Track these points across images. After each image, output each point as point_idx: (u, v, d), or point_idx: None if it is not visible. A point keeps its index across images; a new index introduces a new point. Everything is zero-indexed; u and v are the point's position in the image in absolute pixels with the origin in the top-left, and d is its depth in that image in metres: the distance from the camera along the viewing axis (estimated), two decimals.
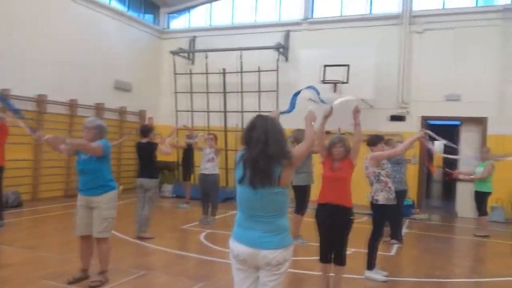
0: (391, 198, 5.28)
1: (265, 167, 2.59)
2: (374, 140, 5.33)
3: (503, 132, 10.68)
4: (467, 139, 11.25)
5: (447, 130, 12.46)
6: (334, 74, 10.57)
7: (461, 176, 9.30)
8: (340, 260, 4.57)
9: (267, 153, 2.60)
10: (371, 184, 5.35)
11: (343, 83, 10.58)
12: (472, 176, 8.60)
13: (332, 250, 4.57)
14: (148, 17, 14.43)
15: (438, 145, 7.28)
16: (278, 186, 2.62)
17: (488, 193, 8.49)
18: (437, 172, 10.82)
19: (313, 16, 12.85)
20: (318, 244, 4.61)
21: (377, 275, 5.35)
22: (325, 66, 10.67)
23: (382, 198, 5.24)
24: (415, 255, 6.79)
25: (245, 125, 2.86)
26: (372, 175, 5.32)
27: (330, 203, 4.52)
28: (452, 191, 11.74)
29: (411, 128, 11.45)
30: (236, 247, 2.73)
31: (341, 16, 12.62)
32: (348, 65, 10.54)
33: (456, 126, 11.73)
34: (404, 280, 5.41)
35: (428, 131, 5.80)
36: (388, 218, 5.64)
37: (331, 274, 4.64)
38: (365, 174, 5.41)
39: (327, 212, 4.53)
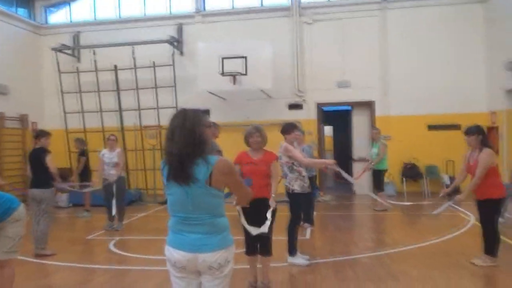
0: (305, 186, 5.39)
1: (182, 165, 2.42)
2: (287, 128, 5.36)
3: (387, 113, 11.66)
4: (358, 122, 12.09)
5: (340, 114, 13.30)
6: (232, 66, 10.54)
7: (367, 171, 9.67)
8: (267, 250, 4.54)
9: (182, 150, 2.42)
10: (285, 173, 5.39)
11: (241, 74, 10.61)
12: (372, 163, 9.15)
13: (258, 242, 4.51)
14: (22, 11, 12.96)
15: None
16: (209, 186, 2.43)
17: (385, 170, 9.20)
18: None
19: (205, 9, 12.67)
20: (242, 237, 4.51)
21: (299, 259, 5.44)
22: (223, 58, 10.59)
23: (298, 187, 5.31)
24: (328, 235, 7.07)
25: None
26: (286, 165, 5.36)
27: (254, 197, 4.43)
28: (349, 171, 12.51)
29: (309, 115, 11.98)
30: (172, 254, 2.51)
31: (232, 8, 12.63)
32: (245, 57, 10.59)
33: (347, 110, 12.50)
34: (325, 261, 5.57)
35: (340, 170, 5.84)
36: (303, 204, 5.76)
37: (258, 265, 4.58)
38: (279, 164, 5.43)
39: (251, 205, 4.43)
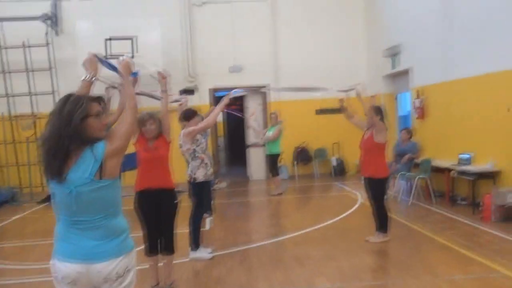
0: (209, 174, 5.15)
1: (56, 158, 2.02)
2: (188, 115, 5.04)
3: (280, 98, 11.86)
4: (252, 107, 12.09)
5: (234, 99, 13.18)
6: (119, 48, 9.74)
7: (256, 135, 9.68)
8: (170, 248, 4.20)
9: (56, 140, 2.03)
10: (188, 162, 5.08)
11: (129, 57, 9.86)
12: (265, 139, 9.19)
13: (160, 239, 4.15)
14: None
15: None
16: (100, 179, 2.05)
17: (278, 155, 9.33)
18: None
19: None
20: (140, 235, 4.11)
21: (202, 253, 5.19)
22: (107, 39, 9.74)
23: (201, 175, 5.05)
24: (229, 224, 6.92)
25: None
26: (187, 153, 5.05)
27: (152, 187, 4.06)
28: (242, 157, 12.56)
29: (202, 101, 11.65)
30: (61, 267, 2.09)
31: None
32: (132, 38, 9.88)
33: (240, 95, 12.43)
34: (229, 252, 5.41)
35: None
36: (206, 194, 5.51)
37: (160, 264, 4.24)
38: (180, 152, 5.10)
39: (151, 199, 4.06)
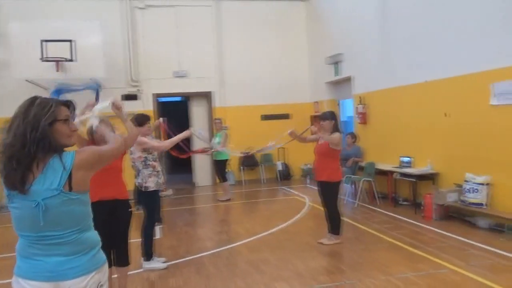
0: (160, 183, 5.01)
1: (19, 168, 1.84)
2: (141, 120, 4.86)
3: (225, 104, 11.84)
4: (197, 113, 11.98)
5: (178, 105, 13.01)
6: (56, 51, 9.24)
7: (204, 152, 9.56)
8: (125, 260, 4.03)
9: (19, 148, 1.85)
10: (137, 170, 4.90)
11: (67, 61, 9.40)
12: (212, 150, 9.09)
13: (113, 251, 3.96)
14: None
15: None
16: (69, 191, 1.89)
17: (226, 160, 9.28)
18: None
19: None
20: None
21: (156, 264, 5.02)
22: (43, 41, 9.20)
23: (152, 183, 4.89)
24: (180, 232, 6.75)
25: None
26: (138, 160, 4.87)
27: (105, 199, 3.85)
28: (189, 163, 12.36)
29: (145, 106, 11.33)
30: (25, 287, 1.91)
31: None
32: (71, 41, 9.40)
33: (185, 101, 12.26)
34: (183, 260, 5.28)
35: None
36: (157, 202, 5.33)
37: (114, 276, 4.04)
38: (130, 159, 4.90)
39: (104, 210, 3.85)
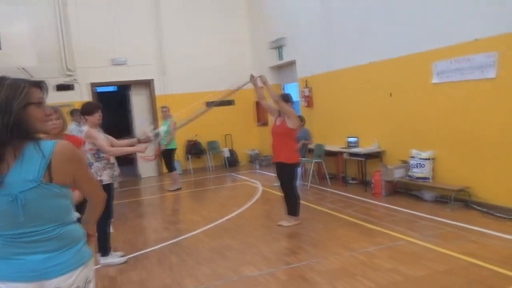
0: (116, 175, 4.76)
1: None
2: (89, 109, 4.56)
3: (166, 92, 11.50)
4: (138, 102, 11.54)
5: (117, 95, 12.45)
6: None
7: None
8: None
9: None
10: (90, 163, 4.61)
11: None
12: (165, 143, 8.78)
13: None
14: None
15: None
16: (48, 182, 1.70)
17: (174, 150, 9.04)
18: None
19: None
20: None
21: (114, 258, 4.79)
22: None
23: (107, 176, 4.63)
24: (134, 224, 6.50)
25: None
26: (90, 152, 4.58)
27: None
28: (131, 155, 11.91)
29: (81, 97, 10.73)
30: None
31: None
32: None
33: (125, 90, 11.75)
34: (143, 253, 5.08)
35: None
36: (111, 196, 5.05)
37: None
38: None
39: None
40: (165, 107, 9.34)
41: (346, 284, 3.72)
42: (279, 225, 5.68)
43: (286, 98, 5.61)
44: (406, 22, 6.67)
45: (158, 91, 11.48)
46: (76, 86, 10.71)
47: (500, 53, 5.34)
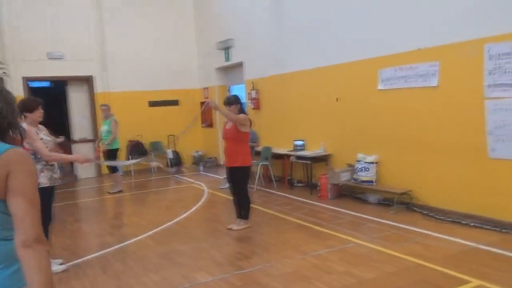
0: (56, 178, 4.43)
1: None
2: (30, 105, 4.21)
3: (108, 89, 11.01)
4: (77, 99, 10.95)
5: (54, 91, 11.72)
6: None
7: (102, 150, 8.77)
8: None
9: None
10: None
11: None
12: (107, 143, 8.38)
13: None
14: None
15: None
16: None
17: (117, 150, 8.64)
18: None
19: None
20: None
21: (53, 266, 4.45)
22: None
23: (45, 179, 4.29)
24: (72, 229, 6.11)
25: None
26: (28, 153, 4.21)
27: None
28: (69, 153, 11.26)
29: (14, 92, 9.91)
30: None
31: None
32: None
33: (62, 86, 11.08)
34: (85, 260, 4.76)
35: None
36: (51, 200, 4.69)
37: None
38: None
39: None
40: (105, 105, 8.87)
41: None
42: (229, 229, 5.58)
43: (235, 100, 5.52)
44: (354, 30, 6.85)
45: (98, 88, 10.96)
46: (7, 80, 9.95)
47: (441, 63, 5.63)
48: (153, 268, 4.38)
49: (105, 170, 10.55)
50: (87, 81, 10.87)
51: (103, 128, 8.64)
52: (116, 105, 10.62)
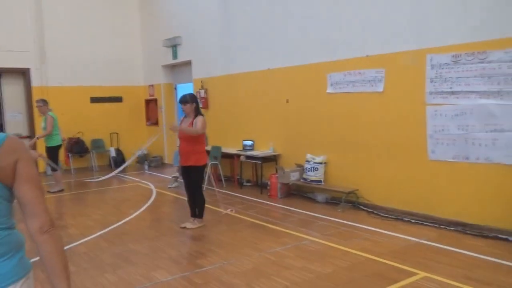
0: None
1: None
2: None
3: (46, 83, 10.46)
4: (11, 93, 10.29)
5: None
6: None
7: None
8: None
9: None
10: None
11: None
12: (36, 137, 8.00)
13: None
14: None
15: None
16: None
17: (58, 146, 8.24)
18: None
19: None
20: None
21: None
22: None
23: None
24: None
25: None
26: None
27: None
28: None
29: None
30: None
31: None
32: None
33: None
34: (33, 261, 4.51)
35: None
36: None
37: None
38: None
39: None
40: (40, 100, 8.23)
41: (263, 284, 3.80)
42: (182, 228, 5.55)
43: (191, 99, 5.49)
44: (304, 34, 7.07)
45: (36, 82, 10.37)
46: None
47: (387, 70, 5.99)
48: (108, 269, 4.27)
49: (42, 168, 10.03)
50: (23, 74, 10.25)
51: (42, 125, 8.20)
52: (55, 100, 10.14)
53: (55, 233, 1.54)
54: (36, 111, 9.22)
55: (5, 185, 1.49)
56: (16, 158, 1.48)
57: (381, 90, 6.06)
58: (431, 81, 5.50)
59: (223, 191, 7.89)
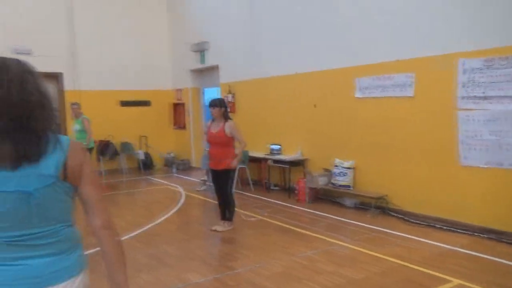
0: None
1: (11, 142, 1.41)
2: None
3: (78, 87, 10.75)
4: None
5: None
6: None
7: None
8: None
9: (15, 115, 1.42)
10: None
11: None
12: (85, 143, 8.16)
13: None
14: None
15: None
16: (63, 180, 1.54)
17: (92, 149, 8.47)
18: None
19: None
20: None
21: None
22: None
23: None
24: None
25: None
26: None
27: None
28: None
29: None
30: None
31: None
32: None
33: None
34: None
35: None
36: None
37: None
38: None
39: None
40: (75, 103, 8.61)
41: None
42: (213, 230, 5.63)
43: (220, 103, 5.58)
44: (334, 38, 7.07)
45: (67, 86, 10.68)
46: None
47: (417, 74, 5.95)
48: (144, 269, 4.37)
49: None
50: (56, 78, 10.56)
51: (75, 127, 8.44)
52: (86, 104, 10.39)
53: (114, 229, 1.69)
54: (68, 114, 9.49)
55: (72, 185, 1.58)
56: (82, 161, 1.58)
57: (411, 94, 6.02)
58: (463, 86, 5.43)
59: (251, 194, 7.95)
